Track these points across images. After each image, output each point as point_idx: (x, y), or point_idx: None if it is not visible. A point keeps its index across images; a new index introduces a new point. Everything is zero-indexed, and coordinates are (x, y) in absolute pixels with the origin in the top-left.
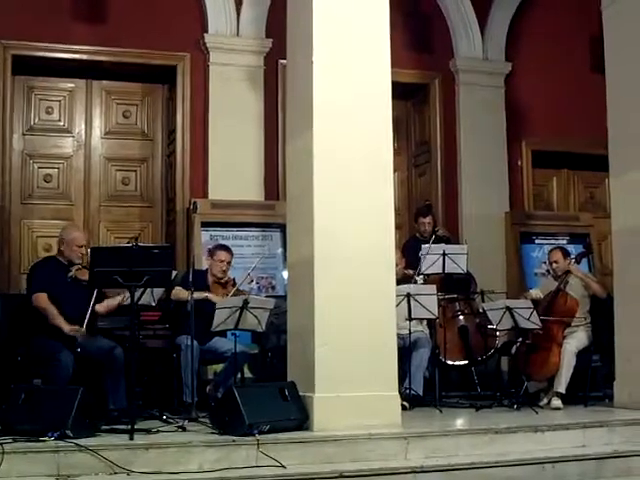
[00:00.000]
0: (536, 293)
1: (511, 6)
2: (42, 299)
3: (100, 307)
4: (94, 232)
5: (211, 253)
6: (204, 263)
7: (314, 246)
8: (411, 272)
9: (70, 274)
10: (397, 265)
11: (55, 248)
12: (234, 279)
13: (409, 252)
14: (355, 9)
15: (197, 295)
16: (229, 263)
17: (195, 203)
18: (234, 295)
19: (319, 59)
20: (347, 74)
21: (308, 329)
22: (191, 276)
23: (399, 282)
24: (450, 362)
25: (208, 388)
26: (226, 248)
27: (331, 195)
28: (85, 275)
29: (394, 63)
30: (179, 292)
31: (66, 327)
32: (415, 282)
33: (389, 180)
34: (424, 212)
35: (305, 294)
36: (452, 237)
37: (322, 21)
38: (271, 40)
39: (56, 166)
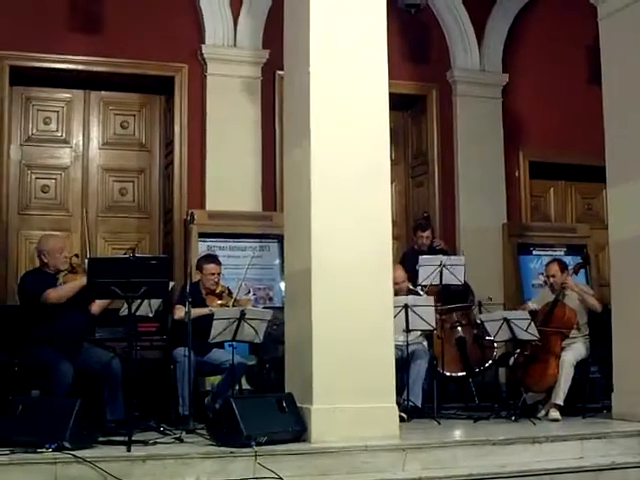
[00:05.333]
0: (533, 305)
1: (508, 17)
2: (52, 292)
3: (94, 307)
4: (91, 243)
5: (200, 267)
6: (195, 276)
7: (311, 257)
8: (417, 288)
9: (59, 282)
10: (403, 282)
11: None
12: (228, 288)
13: (407, 264)
14: (352, 20)
15: (200, 311)
16: (219, 274)
17: (192, 214)
18: (234, 305)
19: (316, 70)
20: (344, 85)
21: (306, 340)
22: (188, 288)
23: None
24: (448, 373)
25: (206, 400)
26: (214, 260)
27: (328, 206)
28: (73, 280)
29: (391, 74)
30: (182, 311)
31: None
32: (419, 294)
33: (386, 191)
34: (423, 226)
35: (303, 305)
36: (449, 249)
37: (319, 32)
38: (268, 51)
39: (54, 177)
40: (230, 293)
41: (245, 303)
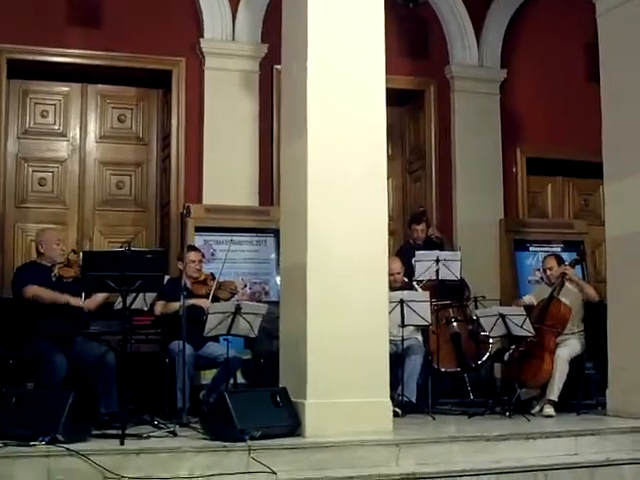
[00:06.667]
0: (529, 299)
1: (507, 13)
2: (33, 288)
3: (89, 303)
4: (88, 236)
5: (180, 258)
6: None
7: (307, 252)
8: (413, 283)
9: (54, 273)
10: (399, 273)
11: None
12: (212, 273)
13: (403, 258)
14: (350, 15)
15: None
16: (200, 261)
17: (188, 207)
18: (217, 288)
19: (313, 64)
20: (341, 80)
21: (300, 335)
22: (183, 281)
23: (398, 290)
24: (443, 369)
25: (201, 394)
26: (194, 248)
27: (324, 202)
28: (68, 272)
29: (389, 69)
30: (164, 307)
31: (73, 300)
32: (415, 289)
33: (383, 186)
34: (417, 219)
35: (298, 300)
36: (445, 238)
37: (317, 27)
38: (266, 45)
39: (51, 170)
40: (214, 278)
41: (229, 285)
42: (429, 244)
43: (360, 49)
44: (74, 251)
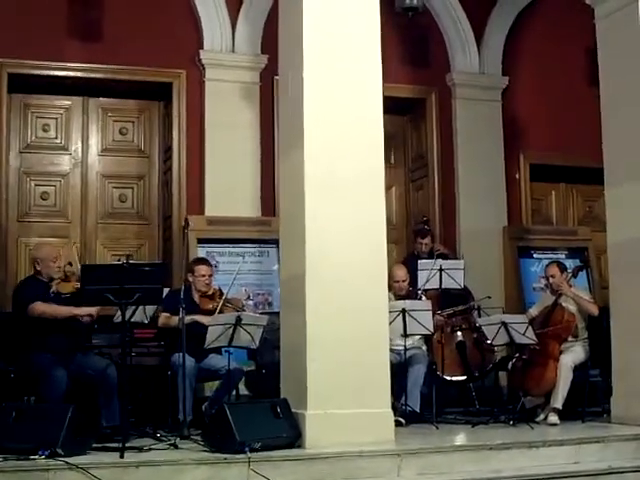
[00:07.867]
0: (535, 312)
1: (508, 20)
2: (39, 305)
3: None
4: (91, 249)
5: (191, 269)
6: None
7: (306, 263)
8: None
9: (52, 289)
10: (404, 280)
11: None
12: (220, 289)
13: (407, 268)
14: (346, 25)
15: (185, 319)
16: (210, 275)
17: (187, 220)
18: (224, 304)
19: (309, 75)
20: (338, 90)
21: (300, 346)
22: (182, 293)
23: (403, 298)
24: (448, 377)
25: (204, 406)
26: (204, 261)
27: (323, 212)
28: (66, 288)
29: (391, 78)
30: (166, 319)
31: (77, 311)
32: (420, 298)
33: (381, 195)
34: (423, 233)
35: (297, 311)
36: (450, 253)
37: (313, 37)
38: (266, 56)
39: (53, 184)
40: (222, 294)
41: (236, 302)
42: (433, 257)
43: (356, 56)
44: (70, 263)
